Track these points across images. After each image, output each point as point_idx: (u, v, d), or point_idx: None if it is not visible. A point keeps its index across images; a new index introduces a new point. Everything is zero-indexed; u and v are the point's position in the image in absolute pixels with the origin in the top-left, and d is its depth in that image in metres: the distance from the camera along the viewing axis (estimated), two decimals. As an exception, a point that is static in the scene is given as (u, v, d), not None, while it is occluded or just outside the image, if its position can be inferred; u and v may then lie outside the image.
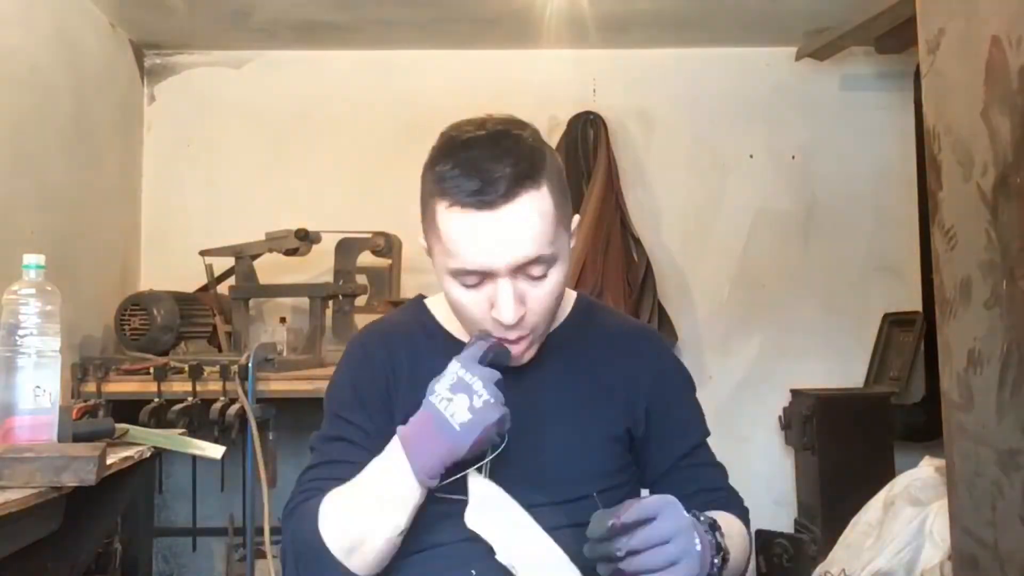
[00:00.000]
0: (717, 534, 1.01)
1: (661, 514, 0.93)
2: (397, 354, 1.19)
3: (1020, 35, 1.38)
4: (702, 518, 1.01)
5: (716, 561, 0.98)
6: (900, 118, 3.41)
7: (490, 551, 1.00)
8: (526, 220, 1.00)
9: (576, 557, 1.00)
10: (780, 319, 3.56)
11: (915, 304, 3.38)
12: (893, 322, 3.50)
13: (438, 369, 1.10)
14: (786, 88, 3.62)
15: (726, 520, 1.12)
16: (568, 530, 1.06)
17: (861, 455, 3.08)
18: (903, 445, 3.15)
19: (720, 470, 1.25)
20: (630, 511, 0.92)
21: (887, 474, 2.70)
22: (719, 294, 3.59)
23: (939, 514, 2.12)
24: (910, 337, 3.36)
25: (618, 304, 3.29)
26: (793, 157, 3.63)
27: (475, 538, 1.03)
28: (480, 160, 1.00)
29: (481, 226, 1.00)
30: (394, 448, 1.01)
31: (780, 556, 3.19)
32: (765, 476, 3.47)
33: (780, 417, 3.44)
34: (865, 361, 3.52)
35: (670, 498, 0.95)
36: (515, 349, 1.09)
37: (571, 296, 1.28)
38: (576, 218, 1.14)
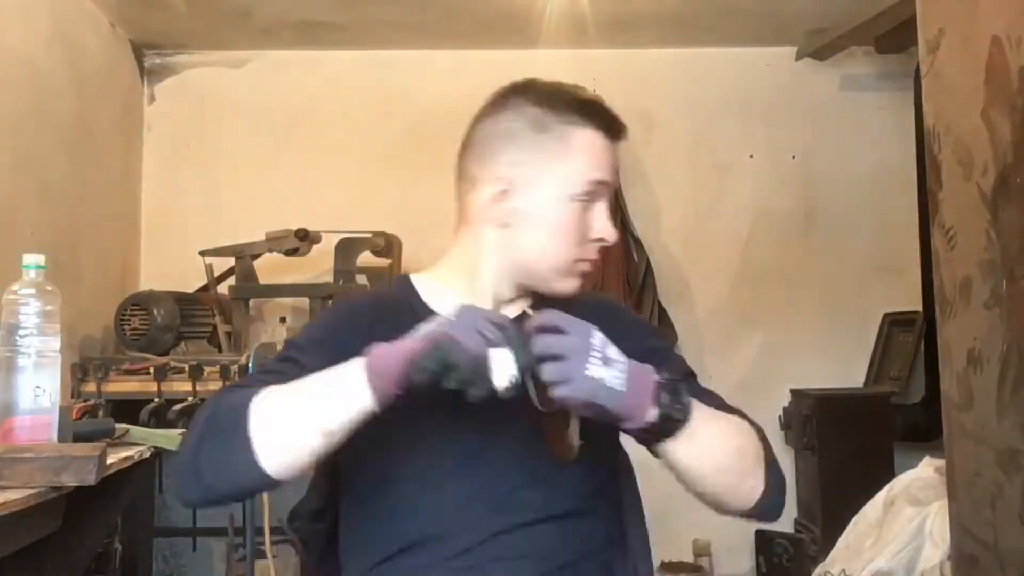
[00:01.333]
0: (663, 374, 1.01)
1: (571, 330, 0.97)
2: (382, 324, 1.16)
3: (1020, 35, 1.38)
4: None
5: (661, 394, 0.98)
6: (900, 118, 3.41)
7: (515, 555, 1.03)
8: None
9: (555, 540, 1.06)
10: (780, 319, 3.56)
11: (915, 304, 3.38)
12: (893, 322, 3.49)
13: None
14: (786, 88, 3.62)
15: (728, 418, 1.12)
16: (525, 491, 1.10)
17: (861, 455, 3.08)
18: (903, 445, 3.15)
19: (715, 397, 1.18)
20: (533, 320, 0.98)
21: (887, 474, 2.70)
22: (719, 294, 3.59)
23: (939, 514, 2.12)
24: (910, 337, 3.36)
25: (618, 304, 3.29)
26: (793, 157, 3.63)
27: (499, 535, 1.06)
28: (605, 108, 1.21)
29: (611, 150, 1.20)
30: (349, 363, 0.98)
31: (780, 556, 3.19)
32: (765, 476, 3.47)
33: (780, 417, 3.44)
34: (865, 361, 3.52)
35: (583, 324, 0.98)
36: (580, 282, 1.22)
37: None
38: None
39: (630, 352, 1.13)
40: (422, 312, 1.20)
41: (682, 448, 1.01)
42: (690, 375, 1.25)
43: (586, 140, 1.18)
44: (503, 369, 0.93)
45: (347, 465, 1.17)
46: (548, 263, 1.18)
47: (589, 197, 1.17)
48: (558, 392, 0.94)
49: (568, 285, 1.20)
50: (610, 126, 1.20)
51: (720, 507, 1.09)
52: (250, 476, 0.95)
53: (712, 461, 1.04)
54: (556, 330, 0.96)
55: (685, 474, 1.04)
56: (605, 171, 1.19)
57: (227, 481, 0.98)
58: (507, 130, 1.19)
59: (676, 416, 0.99)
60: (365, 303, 1.27)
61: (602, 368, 0.95)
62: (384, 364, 0.94)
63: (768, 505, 1.08)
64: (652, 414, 0.97)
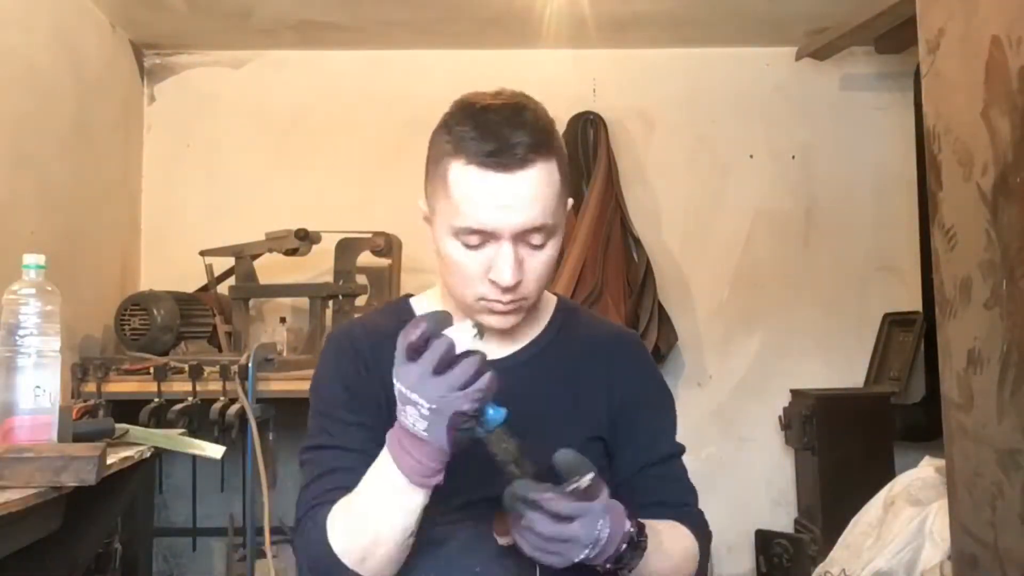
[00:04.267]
0: (633, 522, 1.01)
1: (579, 520, 0.95)
2: (380, 352, 1.17)
3: (1020, 35, 1.38)
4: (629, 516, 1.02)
5: (623, 546, 0.99)
6: (900, 118, 3.41)
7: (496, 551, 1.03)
8: (537, 187, 1.05)
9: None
10: (780, 319, 3.56)
11: (915, 304, 3.38)
12: (893, 322, 3.50)
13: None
14: (786, 88, 3.62)
15: (670, 526, 1.13)
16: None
17: (861, 455, 3.08)
18: (903, 445, 3.15)
19: (686, 487, 1.23)
20: (557, 505, 0.94)
21: (887, 474, 2.70)
22: (719, 294, 3.59)
23: (939, 514, 2.12)
24: (910, 337, 3.36)
25: (618, 304, 3.29)
26: (793, 157, 3.63)
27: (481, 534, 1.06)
28: (499, 125, 1.04)
29: (495, 187, 1.03)
30: (385, 457, 1.01)
31: (780, 556, 3.19)
32: (765, 476, 3.47)
33: (780, 417, 3.44)
34: (865, 361, 3.52)
35: (595, 507, 0.96)
36: (503, 319, 1.12)
37: (551, 300, 1.28)
38: (569, 202, 1.17)
39: (620, 398, 1.20)
40: None
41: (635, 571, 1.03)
42: (672, 456, 1.23)
43: (457, 177, 1.05)
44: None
45: None
46: (457, 297, 1.15)
47: (474, 242, 1.06)
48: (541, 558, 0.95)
49: (491, 321, 1.12)
50: (497, 154, 1.02)
51: None
52: None
53: None
54: (566, 518, 0.94)
55: None
56: (476, 218, 1.04)
57: None
58: (428, 155, 1.12)
59: (640, 543, 1.01)
60: (358, 332, 1.22)
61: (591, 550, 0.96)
62: (419, 470, 0.97)
63: None
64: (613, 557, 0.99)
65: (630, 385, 1.22)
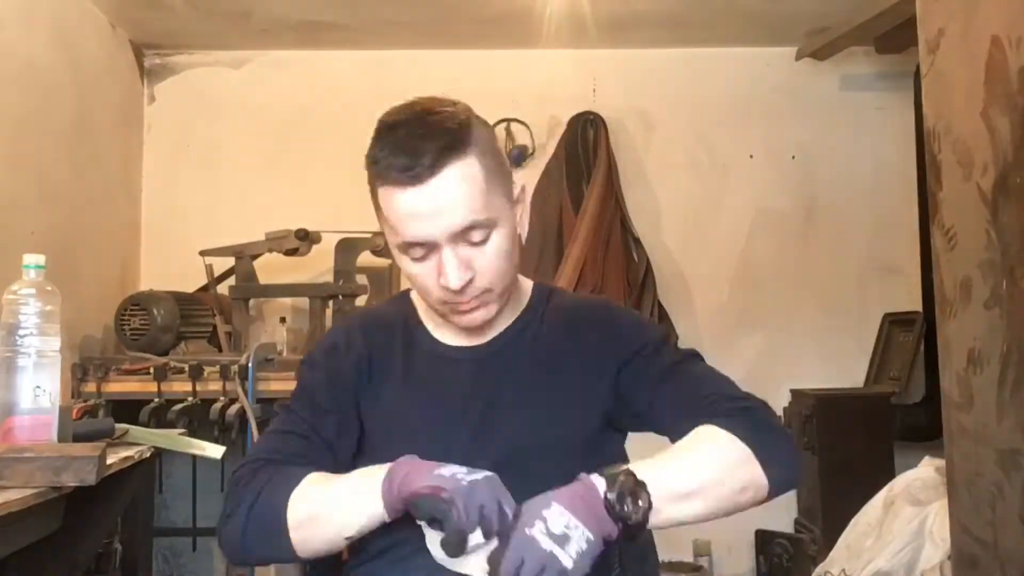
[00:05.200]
0: (618, 481, 0.95)
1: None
2: (375, 344, 1.22)
3: (1020, 35, 1.38)
4: (605, 472, 0.97)
5: (627, 507, 0.94)
6: (900, 118, 3.41)
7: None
8: (454, 189, 1.05)
9: None
10: (780, 319, 3.56)
11: (915, 304, 3.38)
12: (893, 322, 3.49)
13: (411, 363, 1.19)
14: (786, 88, 3.62)
15: (686, 445, 1.05)
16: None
17: (861, 455, 3.08)
18: (903, 445, 3.14)
19: (706, 381, 1.15)
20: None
21: (887, 474, 2.70)
22: (719, 294, 3.59)
23: (939, 514, 2.12)
24: (910, 337, 3.36)
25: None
26: (793, 157, 3.63)
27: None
28: (406, 139, 1.05)
29: (413, 200, 1.05)
30: (380, 467, 1.03)
31: (780, 556, 3.19)
32: (765, 476, 3.47)
33: (780, 417, 3.43)
34: (865, 361, 3.52)
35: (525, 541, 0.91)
36: (471, 317, 1.13)
37: (528, 284, 1.28)
38: (522, 185, 1.17)
39: (614, 365, 1.17)
40: (417, 330, 1.23)
41: (663, 518, 0.98)
42: (680, 361, 1.18)
43: (383, 199, 1.09)
44: (477, 562, 0.94)
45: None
46: (425, 299, 1.18)
47: (418, 254, 1.09)
48: None
49: (461, 321, 1.14)
50: (408, 169, 1.03)
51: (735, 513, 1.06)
52: (286, 558, 1.12)
53: (698, 509, 1.01)
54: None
55: (683, 524, 1.02)
56: (407, 233, 1.07)
57: (267, 559, 1.15)
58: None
59: (635, 518, 0.95)
60: (356, 328, 1.26)
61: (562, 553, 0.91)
62: (398, 492, 0.98)
63: (780, 491, 1.06)
64: (615, 530, 0.95)
65: (615, 347, 1.19)
